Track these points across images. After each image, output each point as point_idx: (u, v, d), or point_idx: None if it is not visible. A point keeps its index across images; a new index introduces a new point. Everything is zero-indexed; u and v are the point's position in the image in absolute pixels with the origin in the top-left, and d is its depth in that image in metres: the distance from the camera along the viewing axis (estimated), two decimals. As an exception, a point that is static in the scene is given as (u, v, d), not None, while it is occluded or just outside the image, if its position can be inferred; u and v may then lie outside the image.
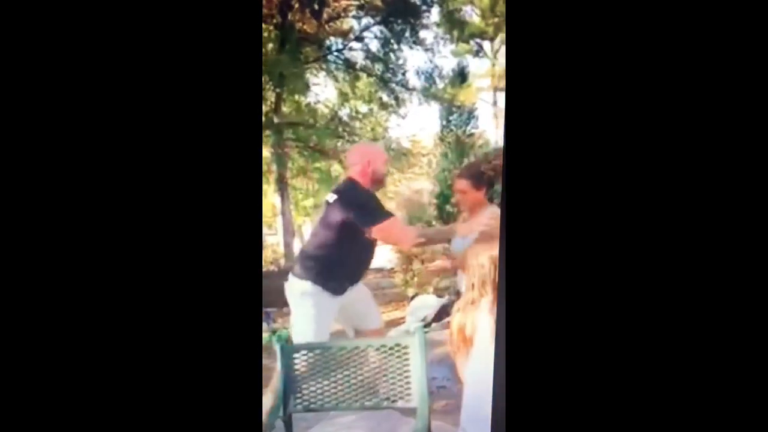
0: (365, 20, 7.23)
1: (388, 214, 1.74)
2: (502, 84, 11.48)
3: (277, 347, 1.37)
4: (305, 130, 6.96)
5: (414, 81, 7.81)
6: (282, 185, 6.76)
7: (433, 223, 5.50)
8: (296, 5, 6.51)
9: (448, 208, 5.30)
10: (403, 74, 7.48)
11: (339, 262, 1.71)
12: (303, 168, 7.91)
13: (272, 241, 8.28)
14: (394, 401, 1.26)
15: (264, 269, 5.95)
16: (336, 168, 8.13)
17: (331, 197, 1.78)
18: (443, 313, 3.50)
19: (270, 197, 8.41)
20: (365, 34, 7.28)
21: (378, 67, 7.34)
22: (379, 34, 7.20)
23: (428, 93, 7.84)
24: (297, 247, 7.98)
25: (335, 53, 7.32)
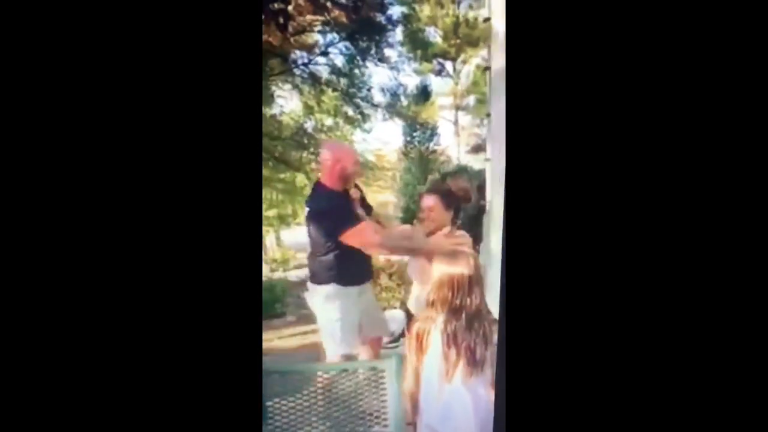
0: (330, 36, 7.28)
1: (355, 220, 1.73)
2: (464, 103, 11.93)
3: (249, 372, 1.32)
4: (270, 141, 6.85)
5: (379, 97, 7.95)
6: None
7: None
8: (262, 18, 6.45)
9: (415, 223, 5.38)
10: (368, 90, 7.59)
11: (347, 258, 1.73)
12: (267, 178, 7.75)
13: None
14: (370, 426, 1.27)
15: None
16: (300, 179, 8.04)
17: (305, 208, 1.80)
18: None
19: (232, 208, 8.13)
20: (331, 49, 7.33)
21: (343, 82, 7.39)
22: (344, 50, 7.27)
23: (392, 109, 8.00)
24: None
25: (301, 67, 7.30)
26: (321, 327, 1.87)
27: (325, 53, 7.30)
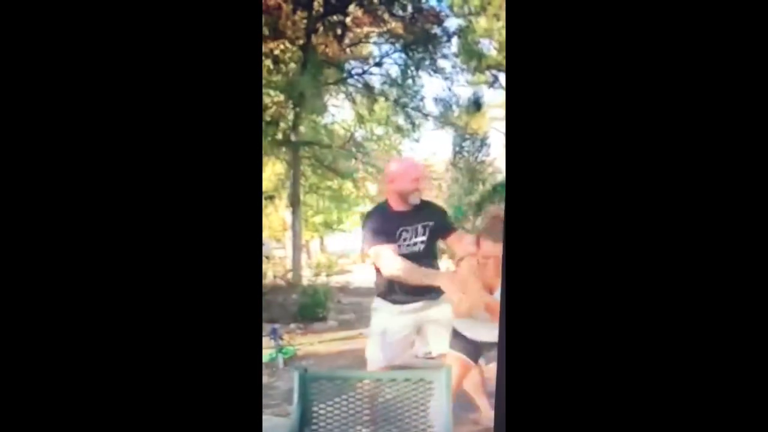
0: (386, 47, 7.42)
1: (381, 242, 1.70)
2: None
3: (294, 375, 1.35)
4: (321, 150, 7.07)
5: (431, 107, 7.95)
6: (294, 201, 6.83)
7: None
8: (320, 28, 6.72)
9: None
10: (421, 100, 7.62)
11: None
12: (315, 185, 8.00)
13: (280, 255, 8.29)
14: (416, 438, 1.25)
15: (271, 283, 5.93)
16: (347, 186, 8.21)
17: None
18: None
19: (281, 212, 8.47)
20: (385, 59, 7.46)
21: (396, 92, 7.49)
22: (398, 60, 7.38)
23: (443, 119, 7.96)
24: (305, 261, 7.97)
25: (355, 76, 7.49)
26: (369, 336, 1.89)
27: (379, 64, 7.45)
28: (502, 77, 11.04)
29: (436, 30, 7.09)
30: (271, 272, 6.12)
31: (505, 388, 0.52)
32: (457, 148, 10.01)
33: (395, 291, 1.77)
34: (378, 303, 1.83)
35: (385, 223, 1.75)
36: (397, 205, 1.78)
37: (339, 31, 6.86)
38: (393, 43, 7.25)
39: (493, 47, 8.77)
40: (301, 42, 6.36)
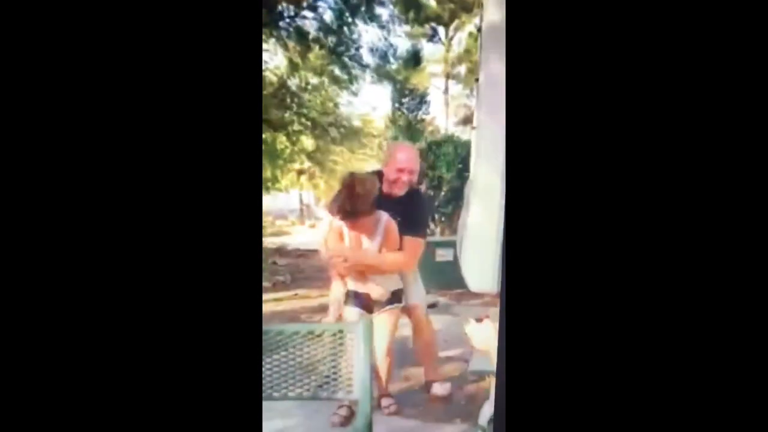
0: (320, -12, 6.85)
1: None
2: (455, 71, 11.61)
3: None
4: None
5: (368, 58, 7.59)
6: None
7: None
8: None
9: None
10: (357, 49, 7.22)
11: None
12: (245, 139, 7.42)
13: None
14: (334, 392, 1.18)
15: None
16: (282, 140, 7.74)
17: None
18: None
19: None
20: (319, 3, 6.90)
21: (331, 39, 7.01)
22: (333, 4, 6.86)
23: (381, 71, 7.67)
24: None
25: (287, 20, 6.87)
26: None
27: (313, 7, 6.87)
28: (441, 31, 10.84)
29: (373, -27, 6.64)
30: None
31: (505, 388, 0.52)
32: (397, 105, 9.80)
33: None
34: None
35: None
36: (386, 189, 1.87)
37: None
38: (328, -15, 6.70)
39: (432, -1, 8.47)
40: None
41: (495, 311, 0.67)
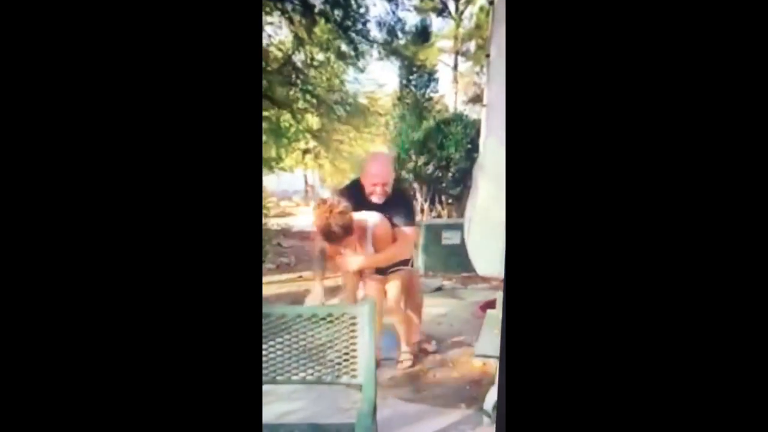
0: (326, -41, 6.57)
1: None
2: (464, 48, 11.27)
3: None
4: (254, 74, 6.33)
5: (375, 32, 7.36)
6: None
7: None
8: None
9: (404, 174, 5.14)
10: (364, 24, 6.98)
11: None
12: (250, 116, 7.27)
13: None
14: (338, 376, 1.14)
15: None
16: (286, 118, 7.59)
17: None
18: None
19: (211, 146, 7.74)
20: (326, -26, 6.63)
21: (337, 13, 6.77)
22: (340, -25, 6.59)
23: (389, 47, 7.44)
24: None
25: (292, -9, 6.62)
26: None
27: (318, -22, 6.61)
28: (451, 5, 10.47)
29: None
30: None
31: (505, 388, 0.53)
32: (404, 82, 9.55)
33: None
34: None
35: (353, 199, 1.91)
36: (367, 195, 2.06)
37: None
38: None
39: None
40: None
41: (502, 295, 0.66)
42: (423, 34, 9.32)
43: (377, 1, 7.25)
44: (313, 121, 8.18)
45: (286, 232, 6.70)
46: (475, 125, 5.09)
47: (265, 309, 1.32)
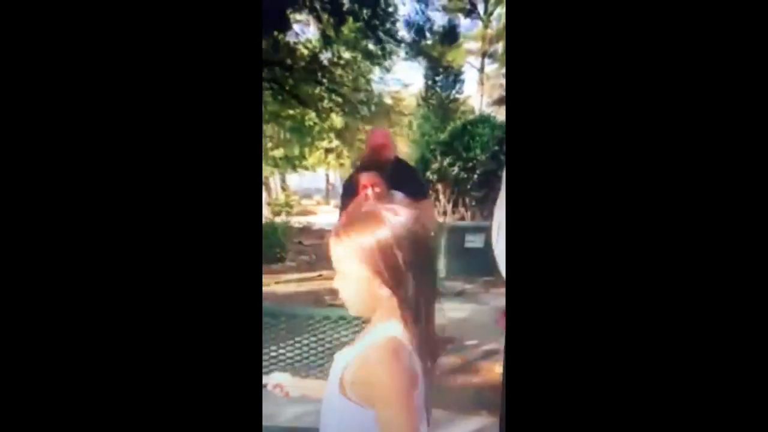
0: (356, -42, 6.57)
1: None
2: (492, 49, 11.11)
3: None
4: (281, 72, 6.38)
5: (403, 32, 7.33)
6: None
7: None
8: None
9: (429, 175, 5.08)
10: (393, 23, 6.96)
11: None
12: (274, 113, 7.34)
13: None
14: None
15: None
16: (311, 117, 7.64)
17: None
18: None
19: (237, 142, 7.88)
20: (355, -28, 6.64)
21: (366, 12, 6.77)
22: (369, -26, 6.59)
23: (416, 47, 7.40)
24: (263, 199, 7.59)
25: (321, -11, 6.66)
26: None
27: (348, -23, 6.63)
28: (480, 6, 10.34)
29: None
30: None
31: (505, 388, 0.55)
32: (430, 82, 9.49)
33: None
34: None
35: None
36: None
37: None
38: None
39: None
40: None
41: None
42: (451, 35, 9.23)
43: (406, 0, 7.20)
44: (337, 120, 8.22)
45: (307, 231, 6.75)
46: (502, 127, 5.00)
47: (277, 310, 1.32)
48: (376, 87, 8.34)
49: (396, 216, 0.61)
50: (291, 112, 7.41)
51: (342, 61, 7.43)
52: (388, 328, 0.60)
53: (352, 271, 0.61)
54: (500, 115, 7.25)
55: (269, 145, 8.72)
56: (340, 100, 7.03)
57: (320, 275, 4.31)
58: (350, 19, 6.85)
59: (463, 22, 10.33)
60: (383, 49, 7.04)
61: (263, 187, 8.37)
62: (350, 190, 1.93)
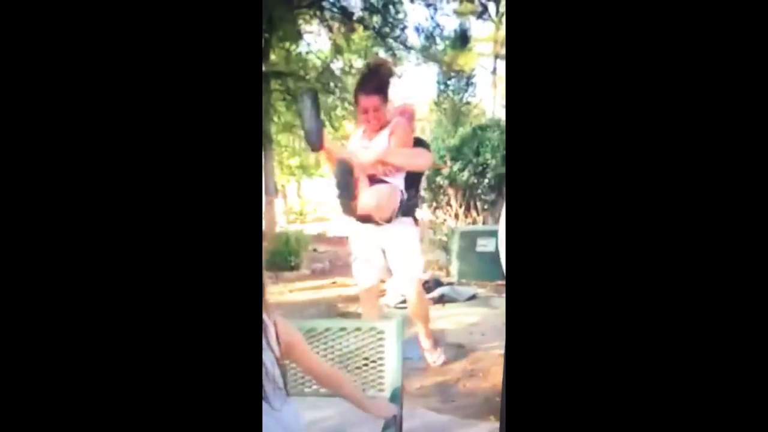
0: (364, -33, 6.66)
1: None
2: (504, 51, 11.00)
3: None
4: (295, 82, 6.52)
5: (413, 39, 7.38)
6: (266, 140, 6.41)
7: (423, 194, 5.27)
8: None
9: (439, 180, 5.10)
10: (402, 30, 7.02)
11: None
12: (290, 123, 7.50)
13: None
14: (364, 390, 1.16)
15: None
16: (325, 125, 7.73)
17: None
18: (425, 289, 3.39)
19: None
20: (364, -19, 6.73)
21: (376, 20, 6.85)
22: (379, -19, 6.67)
23: (427, 53, 7.44)
24: (279, 208, 7.71)
25: (331, 0, 6.78)
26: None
27: (358, -14, 6.72)
28: (491, 7, 10.30)
29: (418, -50, 6.37)
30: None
31: (505, 389, 0.56)
32: (442, 87, 9.50)
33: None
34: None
35: None
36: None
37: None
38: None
39: (483, -29, 8.02)
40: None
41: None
42: (462, 38, 9.22)
43: (416, 6, 7.24)
44: (350, 128, 8.31)
45: (321, 238, 6.82)
46: (514, 131, 4.96)
47: (294, 322, 1.35)
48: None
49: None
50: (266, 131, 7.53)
51: (353, 70, 7.53)
52: None
53: None
54: (512, 117, 7.17)
55: (284, 154, 8.88)
56: (352, 108, 7.11)
57: (334, 282, 4.36)
58: (360, 28, 6.94)
59: (475, 24, 10.30)
60: (394, 56, 7.10)
61: (279, 195, 8.50)
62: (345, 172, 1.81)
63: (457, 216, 4.87)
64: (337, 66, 7.50)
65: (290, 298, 3.84)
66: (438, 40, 7.59)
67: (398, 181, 1.85)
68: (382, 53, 7.19)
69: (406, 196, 1.88)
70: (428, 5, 7.05)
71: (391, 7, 6.75)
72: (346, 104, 7.26)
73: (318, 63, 7.31)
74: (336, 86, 7.10)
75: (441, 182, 5.08)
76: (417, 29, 7.47)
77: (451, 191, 4.98)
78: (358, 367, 1.17)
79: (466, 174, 4.93)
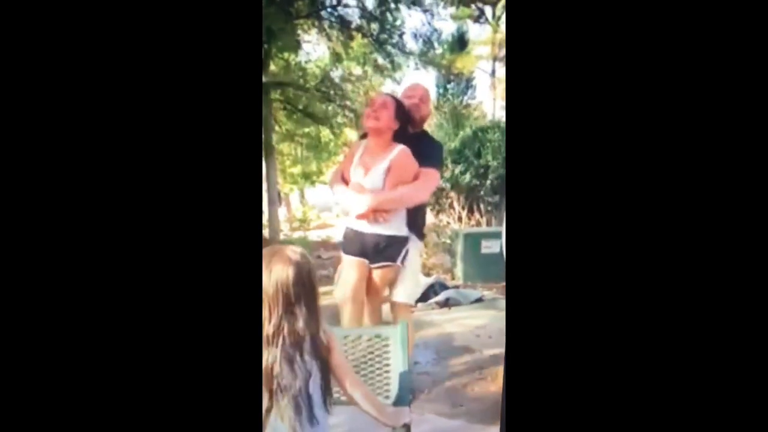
0: (361, -24, 6.73)
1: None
2: (502, 53, 11.06)
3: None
4: (295, 92, 6.58)
5: (411, 44, 7.43)
6: (268, 150, 6.45)
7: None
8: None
9: (442, 183, 5.11)
10: (400, 36, 7.07)
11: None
12: (291, 132, 7.57)
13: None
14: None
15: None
16: (326, 134, 7.81)
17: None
18: (430, 292, 3.39)
19: (255, 161, 8.09)
20: (361, -10, 6.79)
21: (374, 27, 6.90)
22: (375, -10, 6.72)
23: (425, 58, 7.48)
24: (282, 216, 7.74)
25: (329, 9, 6.84)
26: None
27: (355, -6, 6.78)
28: (488, 11, 10.35)
29: (414, -43, 6.43)
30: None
31: (505, 388, 0.57)
32: (441, 91, 9.55)
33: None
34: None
35: None
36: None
37: (310, -42, 6.15)
38: (369, -29, 6.58)
39: (478, -25, 8.08)
40: (266, -30, 5.66)
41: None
42: (460, 42, 9.28)
43: (413, 12, 7.30)
44: (351, 134, 8.36)
45: (325, 244, 6.83)
46: (514, 132, 4.96)
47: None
48: (387, 99, 8.42)
49: None
50: (306, 130, 7.60)
51: (353, 77, 7.59)
52: None
53: None
54: (512, 118, 7.18)
55: (287, 162, 8.94)
56: (352, 115, 7.16)
57: (337, 288, 4.34)
58: (359, 36, 7.00)
59: (472, 28, 10.35)
60: (392, 62, 7.15)
61: (282, 204, 8.56)
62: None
63: (460, 218, 4.87)
64: (336, 74, 7.57)
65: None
66: (436, 44, 7.64)
67: (398, 225, 1.73)
68: (381, 59, 7.25)
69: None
70: (425, 11, 7.10)
71: (388, 14, 6.80)
72: (346, 111, 7.32)
73: (317, 71, 7.37)
74: (336, 94, 7.16)
75: (443, 185, 5.08)
76: (415, 35, 7.53)
77: (453, 194, 4.98)
78: (364, 375, 1.17)
79: (468, 176, 4.94)
